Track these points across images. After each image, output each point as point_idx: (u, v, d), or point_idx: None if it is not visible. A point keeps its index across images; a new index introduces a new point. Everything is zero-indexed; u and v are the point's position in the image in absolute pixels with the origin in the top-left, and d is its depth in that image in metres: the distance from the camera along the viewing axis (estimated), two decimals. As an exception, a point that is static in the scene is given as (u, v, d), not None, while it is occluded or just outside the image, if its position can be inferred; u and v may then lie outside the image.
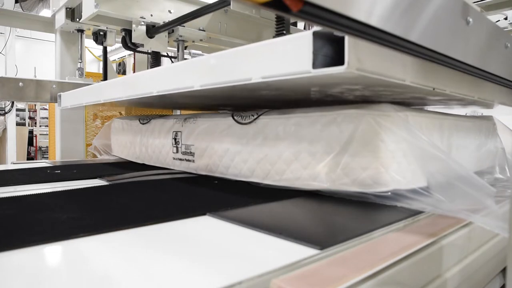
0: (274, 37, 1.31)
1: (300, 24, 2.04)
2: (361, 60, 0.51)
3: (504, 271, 0.70)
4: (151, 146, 1.27)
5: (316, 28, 0.52)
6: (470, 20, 0.58)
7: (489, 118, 1.13)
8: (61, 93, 1.48)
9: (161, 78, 0.88)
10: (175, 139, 1.14)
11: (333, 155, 0.74)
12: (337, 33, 0.51)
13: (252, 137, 0.90)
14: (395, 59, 0.59)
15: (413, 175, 0.70)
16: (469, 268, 0.57)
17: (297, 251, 0.44)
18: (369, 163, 0.69)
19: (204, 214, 0.62)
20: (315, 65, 0.52)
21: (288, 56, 0.56)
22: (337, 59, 0.50)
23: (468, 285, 0.58)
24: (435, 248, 0.50)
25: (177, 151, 1.14)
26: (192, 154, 1.08)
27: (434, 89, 0.68)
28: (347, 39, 0.49)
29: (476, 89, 0.85)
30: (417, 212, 0.62)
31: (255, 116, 0.90)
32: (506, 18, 1.83)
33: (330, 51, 0.53)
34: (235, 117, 0.95)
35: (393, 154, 0.68)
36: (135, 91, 0.97)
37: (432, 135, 0.81)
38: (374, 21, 0.41)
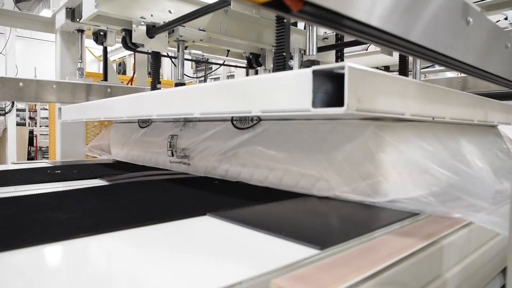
0: (274, 60, 1.26)
1: (301, 24, 2.04)
2: (360, 100, 0.50)
3: (504, 271, 0.70)
4: (150, 150, 1.27)
5: (316, 67, 0.51)
6: (470, 20, 0.58)
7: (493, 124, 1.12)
8: (62, 106, 1.45)
9: (161, 102, 0.87)
10: (170, 142, 1.14)
11: (332, 163, 0.73)
12: (337, 70, 0.50)
13: (251, 143, 0.90)
14: (395, 94, 0.58)
15: (413, 185, 0.69)
16: (469, 268, 0.57)
17: (297, 251, 0.44)
18: (369, 173, 0.68)
19: (204, 214, 0.62)
20: (314, 104, 0.52)
21: (287, 93, 0.56)
22: (337, 95, 0.50)
23: (468, 285, 0.58)
24: (435, 248, 0.50)
25: (172, 155, 1.14)
26: (187, 157, 1.08)
27: (433, 118, 0.68)
28: (347, 79, 0.49)
29: (475, 112, 0.85)
30: (417, 213, 0.62)
31: (255, 122, 0.90)
32: (506, 18, 1.83)
33: (330, 88, 0.52)
34: (235, 122, 0.95)
35: (393, 164, 0.67)
36: (135, 112, 0.97)
37: (435, 144, 0.79)
38: (374, 21, 0.41)
